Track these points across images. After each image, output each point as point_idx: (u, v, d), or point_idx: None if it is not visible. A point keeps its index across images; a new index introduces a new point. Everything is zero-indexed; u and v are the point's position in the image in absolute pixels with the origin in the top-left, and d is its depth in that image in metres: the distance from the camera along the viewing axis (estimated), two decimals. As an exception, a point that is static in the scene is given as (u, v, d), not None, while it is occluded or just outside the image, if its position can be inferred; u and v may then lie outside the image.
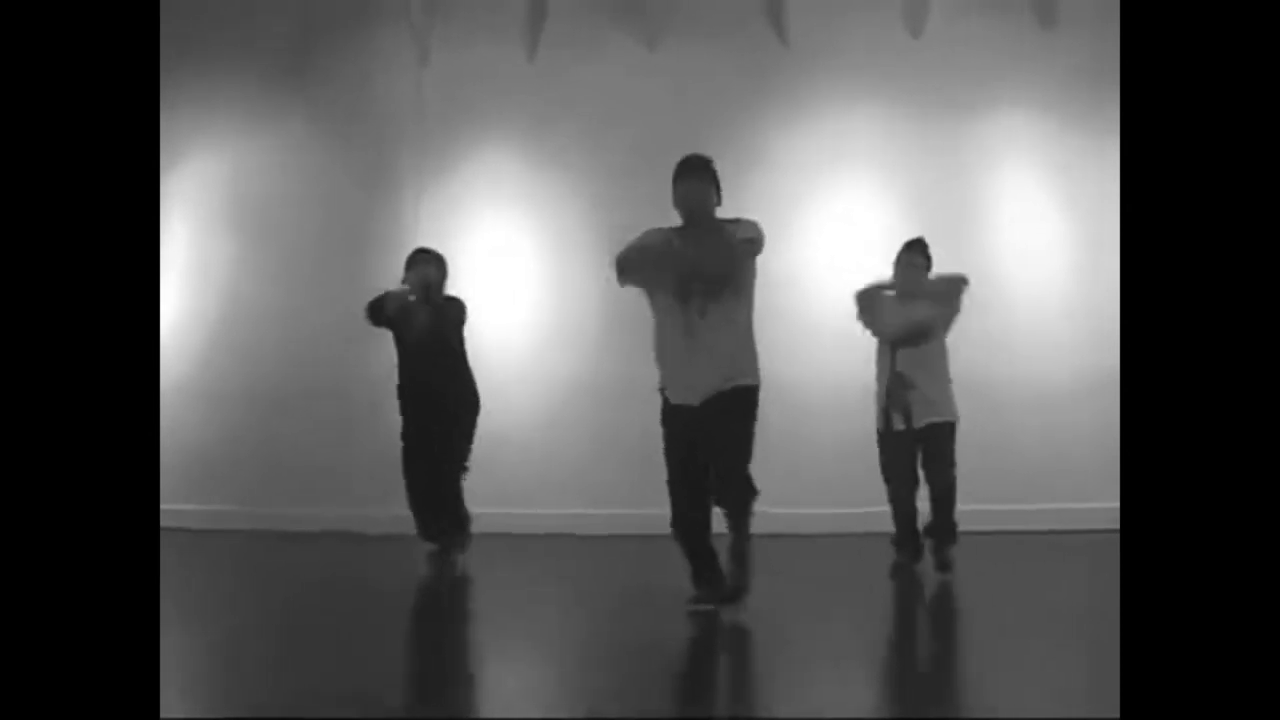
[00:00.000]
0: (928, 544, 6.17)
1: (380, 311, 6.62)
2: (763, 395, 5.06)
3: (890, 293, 6.24)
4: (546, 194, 8.54)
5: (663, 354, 5.08)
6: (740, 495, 5.04)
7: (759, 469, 5.06)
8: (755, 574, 5.12)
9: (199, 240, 8.70)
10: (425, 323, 6.59)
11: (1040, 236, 8.31)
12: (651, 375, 5.14)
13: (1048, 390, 8.08)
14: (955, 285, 6.17)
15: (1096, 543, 7.18)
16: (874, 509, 6.23)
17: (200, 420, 8.46)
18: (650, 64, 8.49)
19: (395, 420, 6.78)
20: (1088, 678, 4.04)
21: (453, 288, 6.84)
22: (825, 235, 8.35)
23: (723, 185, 5.11)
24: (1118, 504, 7.21)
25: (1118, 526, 6.78)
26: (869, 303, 6.26)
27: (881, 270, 6.35)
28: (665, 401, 5.10)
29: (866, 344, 6.32)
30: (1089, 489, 7.87)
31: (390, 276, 6.93)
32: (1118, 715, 2.49)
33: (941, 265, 6.25)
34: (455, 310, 6.69)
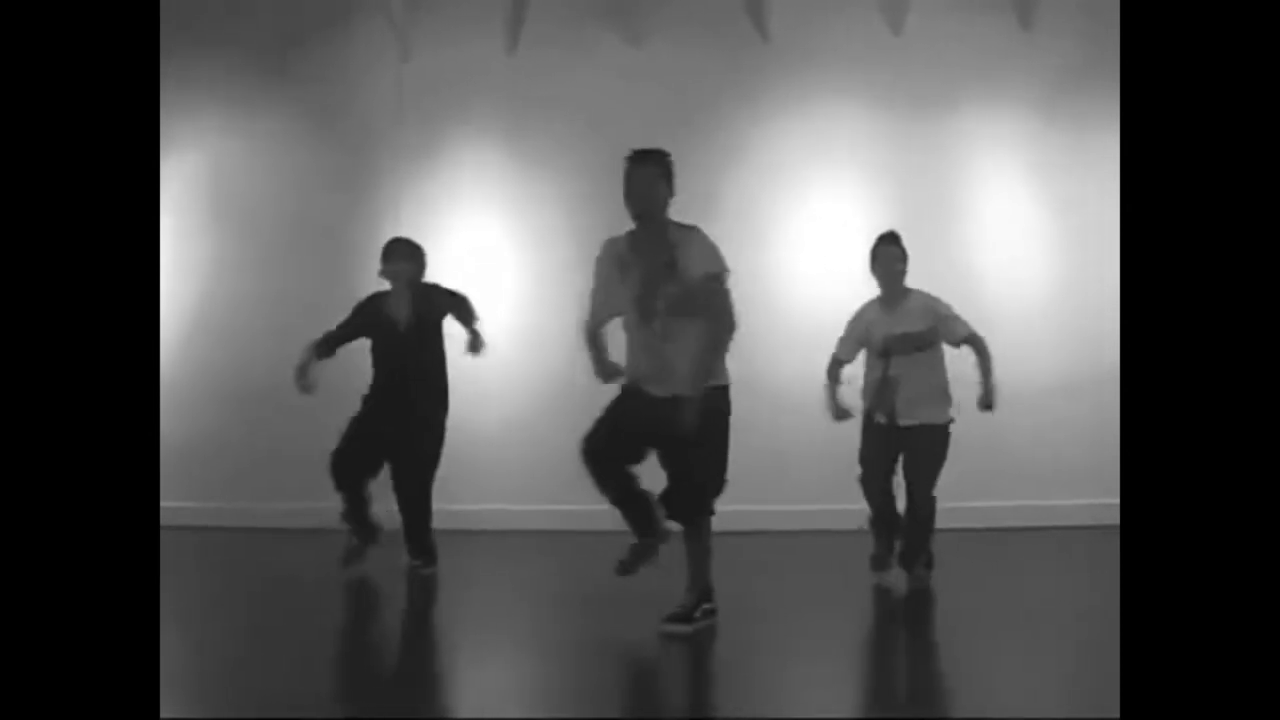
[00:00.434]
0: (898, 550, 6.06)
1: (328, 346, 6.64)
2: (744, 392, 5.05)
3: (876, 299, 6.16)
4: (528, 192, 8.54)
5: (632, 369, 5.01)
6: (688, 506, 4.91)
7: (741, 468, 5.06)
8: (740, 572, 5.16)
9: (179, 237, 8.64)
10: (409, 313, 6.57)
11: (1022, 233, 8.37)
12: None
13: (1031, 387, 8.12)
14: (946, 319, 6.01)
15: (1084, 539, 7.26)
16: (856, 506, 6.25)
17: (178, 416, 8.41)
18: (631, 61, 8.50)
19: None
20: (1087, 677, 4.07)
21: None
22: (806, 232, 8.38)
23: (707, 175, 5.04)
24: (1104, 500, 7.37)
25: (1105, 523, 6.93)
26: (859, 318, 6.17)
27: (861, 266, 6.34)
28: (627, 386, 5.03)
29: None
30: (1074, 485, 7.96)
31: (369, 274, 6.91)
32: (1118, 715, 2.52)
33: (922, 262, 6.25)
34: (441, 298, 6.65)
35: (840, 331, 6.32)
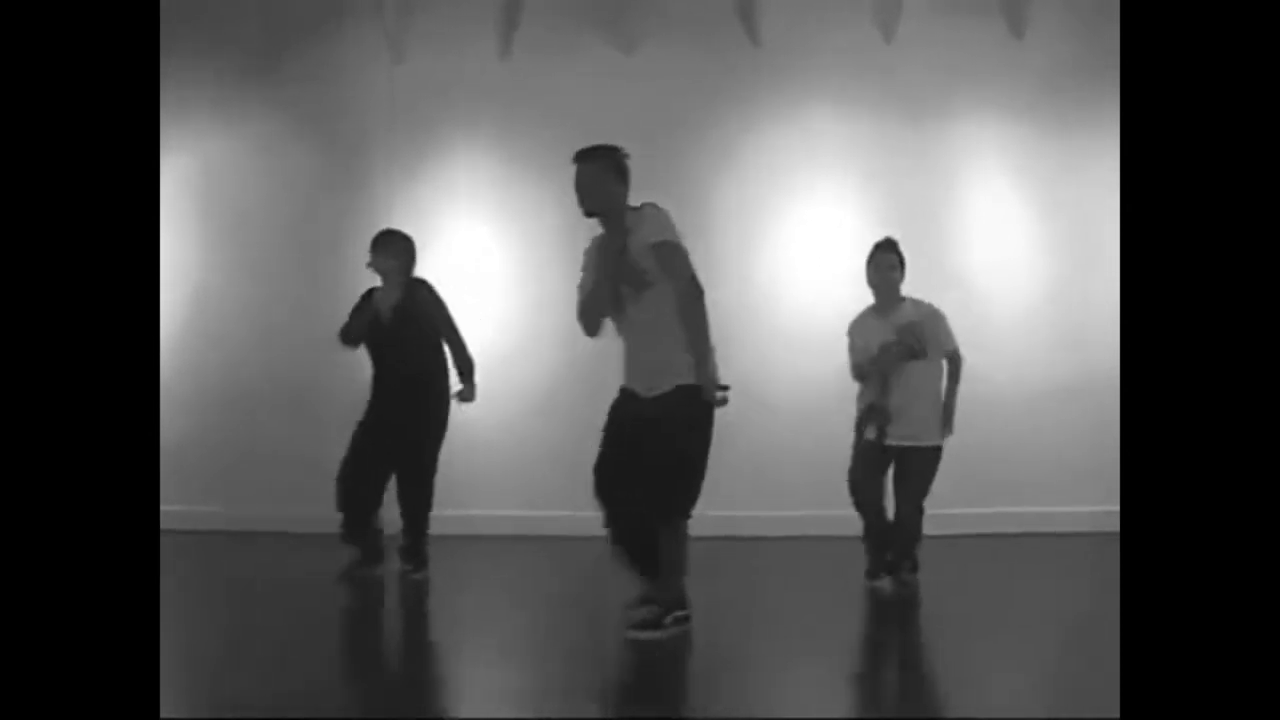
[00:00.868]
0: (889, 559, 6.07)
1: (351, 333, 6.60)
2: (735, 396, 5.05)
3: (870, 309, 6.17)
4: (520, 196, 8.53)
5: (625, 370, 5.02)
6: (661, 507, 4.82)
7: (734, 474, 5.06)
8: (732, 578, 5.17)
9: (170, 240, 8.61)
10: (392, 306, 6.54)
11: (1014, 238, 8.40)
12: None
13: (1024, 393, 8.18)
14: (932, 322, 6.04)
15: (1078, 545, 7.29)
16: (846, 512, 6.26)
17: (169, 419, 8.38)
18: (623, 66, 8.51)
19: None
20: (1086, 680, 4.09)
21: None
22: (798, 237, 8.41)
23: (698, 180, 5.05)
24: (1099, 507, 7.38)
25: (1100, 529, 6.93)
26: (856, 328, 6.17)
27: (854, 272, 6.36)
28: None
29: (839, 347, 6.31)
30: (1067, 491, 7.98)
31: (361, 277, 6.91)
32: (1118, 715, 2.53)
33: (915, 268, 6.26)
34: (424, 292, 6.60)
35: (833, 339, 6.32)
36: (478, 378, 6.67)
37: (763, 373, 7.90)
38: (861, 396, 6.10)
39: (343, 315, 6.74)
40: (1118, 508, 3.18)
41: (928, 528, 6.10)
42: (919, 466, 5.95)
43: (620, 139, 5.21)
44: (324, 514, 7.85)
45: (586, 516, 7.77)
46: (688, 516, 4.93)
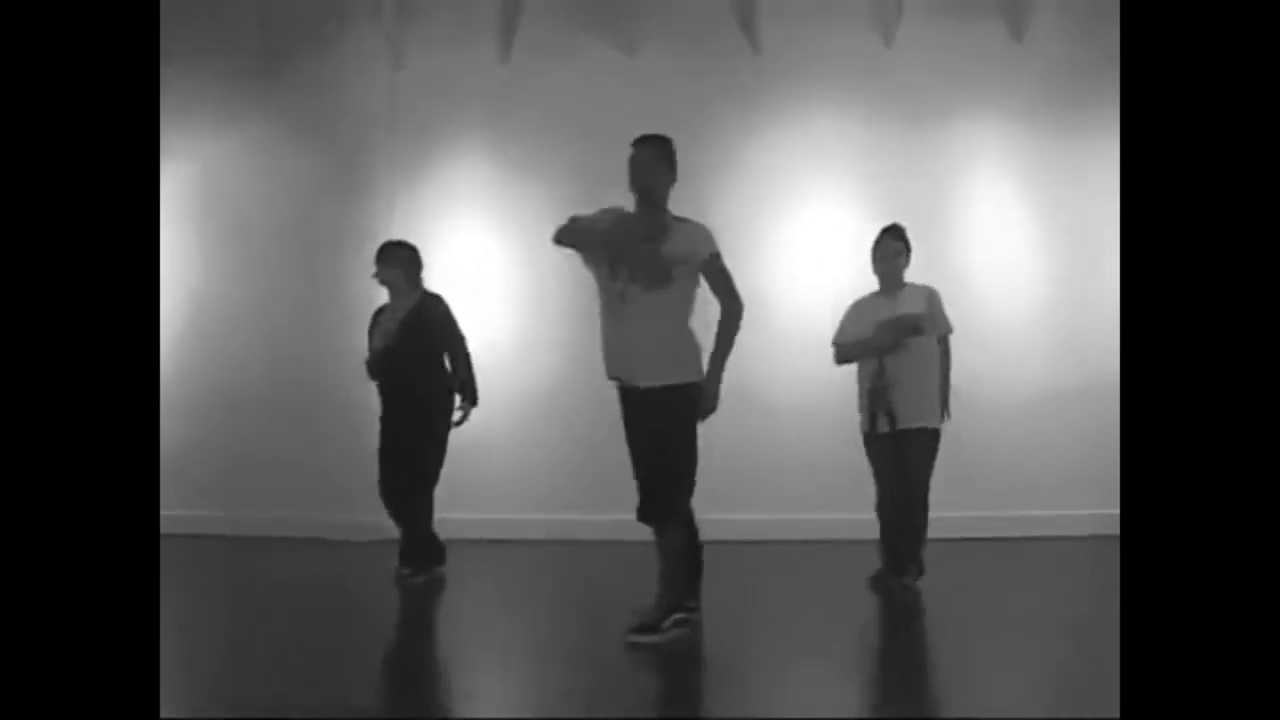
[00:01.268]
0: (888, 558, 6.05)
1: (371, 363, 6.64)
2: (735, 400, 5.06)
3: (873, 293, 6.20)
4: (520, 198, 8.55)
5: (603, 326, 5.03)
6: (656, 510, 4.84)
7: (733, 477, 5.06)
8: (730, 581, 5.17)
9: (170, 244, 8.63)
10: (397, 320, 6.55)
11: (1013, 241, 8.42)
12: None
13: (1022, 397, 8.20)
14: (931, 300, 6.08)
15: (1078, 550, 7.29)
16: (846, 515, 6.27)
17: (167, 423, 8.40)
18: (623, 70, 8.53)
19: (365, 424, 6.79)
20: (1086, 682, 4.09)
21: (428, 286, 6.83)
22: (799, 241, 8.42)
23: (699, 183, 5.09)
24: (1094, 511, 7.37)
25: (1096, 532, 6.92)
26: (855, 308, 6.21)
27: (854, 274, 6.39)
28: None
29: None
30: (1064, 495, 8.00)
31: (362, 282, 6.93)
32: (1117, 716, 2.53)
33: (914, 268, 6.29)
34: (430, 307, 6.61)
35: (829, 343, 6.34)
36: (480, 380, 6.66)
37: (763, 376, 7.90)
38: (860, 380, 6.11)
39: (341, 319, 6.77)
40: (1118, 511, 3.19)
41: (940, 529, 6.14)
42: (920, 449, 5.94)
43: (620, 141, 5.23)
44: (322, 518, 7.87)
45: (584, 520, 7.86)
46: (688, 510, 4.97)
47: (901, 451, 5.96)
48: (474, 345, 6.76)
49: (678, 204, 5.15)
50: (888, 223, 6.32)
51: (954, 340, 6.18)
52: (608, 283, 4.96)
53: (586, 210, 5.13)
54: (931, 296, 6.10)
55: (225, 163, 8.82)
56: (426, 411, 6.47)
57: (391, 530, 6.68)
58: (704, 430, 4.91)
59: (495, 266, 8.56)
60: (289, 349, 8.49)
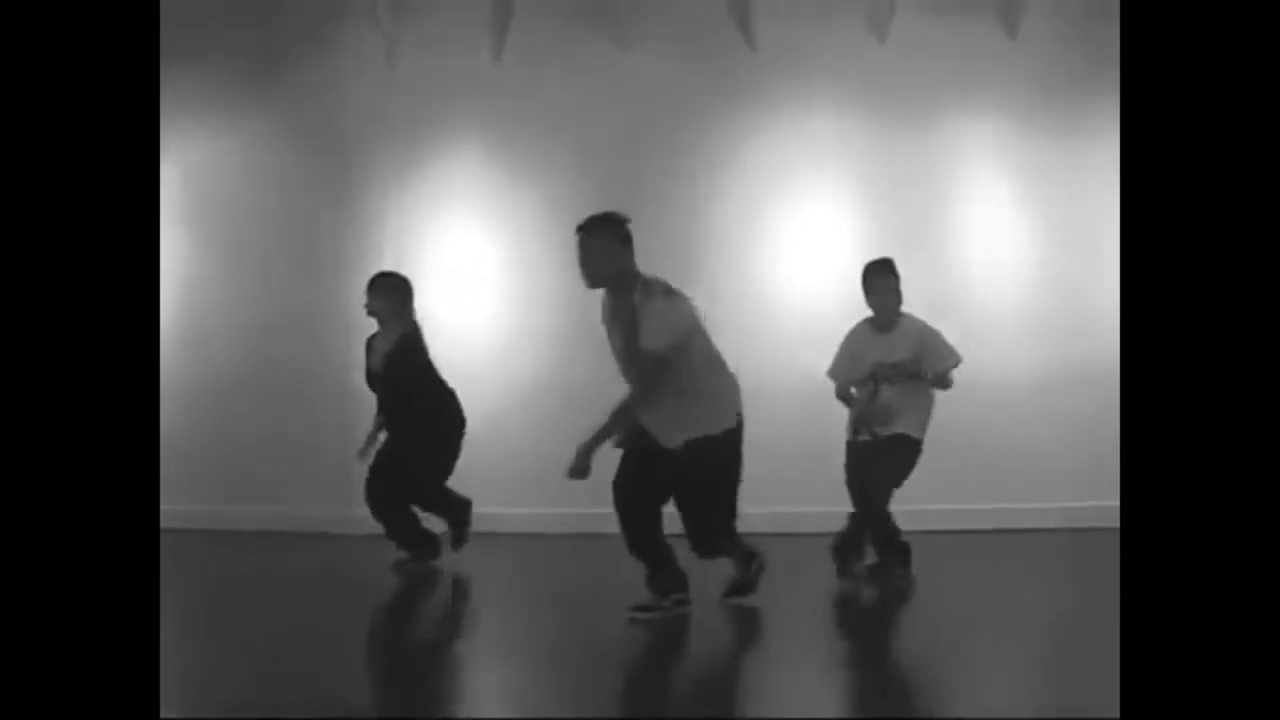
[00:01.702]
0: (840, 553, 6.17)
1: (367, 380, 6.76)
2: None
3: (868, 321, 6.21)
4: (514, 198, 8.54)
5: None
6: (703, 547, 5.18)
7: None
8: (726, 575, 5.19)
9: (163, 241, 8.57)
10: (383, 352, 6.66)
11: (1008, 238, 8.44)
12: (617, 377, 5.21)
13: (1016, 393, 8.22)
14: (925, 340, 6.08)
15: (1073, 542, 7.32)
16: (846, 509, 6.29)
17: (162, 419, 8.37)
18: (617, 68, 8.52)
19: (362, 420, 6.81)
20: (1085, 678, 4.09)
21: (418, 293, 6.86)
22: (795, 238, 8.43)
23: (696, 183, 5.07)
24: (1095, 503, 7.40)
25: (1094, 525, 6.94)
26: (852, 338, 6.23)
27: (850, 272, 6.40)
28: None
29: (833, 346, 6.36)
30: (1062, 488, 8.04)
31: (354, 281, 6.94)
32: (1118, 715, 2.54)
33: (910, 268, 6.31)
34: (402, 341, 6.64)
35: (830, 340, 6.36)
36: (472, 378, 6.74)
37: (761, 373, 7.89)
38: (854, 403, 6.16)
39: (337, 318, 6.82)
40: (1116, 503, 3.20)
41: (925, 523, 6.17)
42: (893, 451, 5.99)
43: (615, 140, 5.24)
44: (317, 513, 7.87)
45: (571, 514, 7.86)
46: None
47: (870, 455, 6.00)
48: (467, 342, 6.80)
49: (676, 204, 5.16)
50: (878, 232, 6.33)
51: (951, 336, 6.18)
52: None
53: (574, 201, 5.16)
54: (924, 336, 6.09)
55: (220, 160, 8.78)
56: (414, 444, 6.60)
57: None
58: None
59: (489, 265, 8.55)
60: (284, 347, 8.48)
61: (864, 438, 6.07)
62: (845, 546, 6.13)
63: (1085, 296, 8.25)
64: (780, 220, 8.43)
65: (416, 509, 6.72)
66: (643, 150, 8.16)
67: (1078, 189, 8.33)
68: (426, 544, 6.72)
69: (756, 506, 5.34)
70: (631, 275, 4.94)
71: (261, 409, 8.39)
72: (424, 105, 8.62)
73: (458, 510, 6.76)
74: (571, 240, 5.12)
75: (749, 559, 5.31)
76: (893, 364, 5.98)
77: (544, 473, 8.14)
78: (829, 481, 6.33)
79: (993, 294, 8.33)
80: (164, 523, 7.75)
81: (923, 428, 6.07)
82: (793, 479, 7.89)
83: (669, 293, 4.92)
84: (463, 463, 6.80)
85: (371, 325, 6.83)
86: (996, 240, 8.42)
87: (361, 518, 6.98)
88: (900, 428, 6.00)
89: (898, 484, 6.01)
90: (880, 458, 5.97)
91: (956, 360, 6.08)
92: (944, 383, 6.07)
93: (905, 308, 6.17)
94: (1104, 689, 3.54)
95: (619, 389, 5.40)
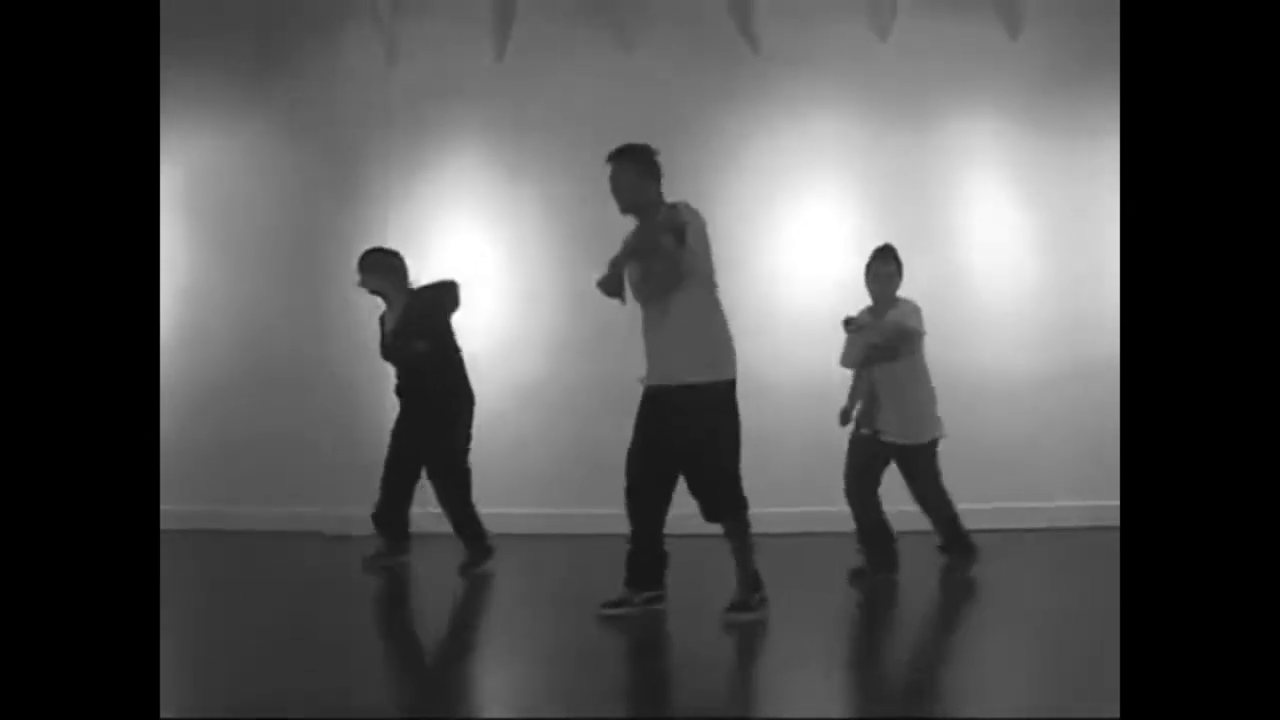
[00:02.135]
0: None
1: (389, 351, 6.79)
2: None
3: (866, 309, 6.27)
4: (516, 197, 8.54)
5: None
6: (722, 509, 5.08)
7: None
8: (723, 576, 5.19)
9: (162, 240, 8.58)
10: (391, 324, 6.66)
11: (1009, 237, 8.44)
12: (617, 375, 5.22)
13: (1016, 392, 8.23)
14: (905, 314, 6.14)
15: (1075, 542, 7.32)
16: (840, 509, 6.31)
17: (161, 419, 8.38)
18: (619, 67, 8.52)
19: (362, 418, 6.81)
20: (1085, 677, 4.10)
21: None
22: (797, 237, 8.43)
23: (698, 182, 5.11)
24: (1096, 503, 7.42)
25: (1095, 524, 6.96)
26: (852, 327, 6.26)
27: (852, 270, 6.42)
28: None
29: (837, 344, 6.37)
30: (1062, 487, 8.05)
31: (356, 280, 6.94)
32: (1118, 715, 2.54)
33: (911, 266, 6.33)
34: (419, 303, 6.68)
35: (831, 338, 6.39)
36: (473, 376, 6.76)
37: (761, 373, 7.89)
38: (851, 396, 6.27)
39: (337, 318, 6.84)
40: (1116, 503, 3.20)
41: (925, 523, 6.24)
42: (923, 464, 6.16)
43: (616, 138, 5.24)
44: (317, 513, 7.87)
45: (575, 514, 7.87)
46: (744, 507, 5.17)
47: (903, 468, 6.19)
48: (467, 342, 6.83)
49: (678, 198, 5.18)
50: (880, 231, 6.41)
51: (953, 335, 6.25)
52: (637, 296, 5.07)
53: (576, 200, 5.18)
54: (904, 311, 6.12)
55: (221, 159, 8.79)
56: (432, 414, 6.62)
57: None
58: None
59: (489, 264, 8.55)
60: (284, 347, 8.49)
61: (865, 431, 6.17)
62: (874, 550, 6.19)
63: (1085, 296, 8.25)
64: (782, 220, 8.43)
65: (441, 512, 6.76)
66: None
67: (1078, 189, 8.34)
68: (405, 538, 6.79)
69: (756, 506, 5.32)
70: (655, 204, 5.03)
71: (261, 409, 8.40)
72: (425, 105, 8.62)
73: (479, 543, 6.73)
74: (572, 239, 5.13)
75: (752, 587, 5.22)
76: (874, 345, 6.06)
77: (544, 473, 8.22)
78: (829, 481, 6.34)
79: (993, 294, 8.34)
80: (164, 523, 7.82)
81: (933, 428, 6.16)
82: (793, 479, 7.89)
83: (690, 208, 5.02)
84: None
85: (371, 319, 6.84)
86: (997, 240, 8.43)
87: (361, 518, 6.99)
88: (917, 437, 6.13)
89: (938, 481, 6.20)
90: (919, 471, 6.16)
91: (914, 327, 6.10)
92: (896, 338, 6.07)
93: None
94: (1104, 689, 3.55)
95: (619, 389, 5.41)
